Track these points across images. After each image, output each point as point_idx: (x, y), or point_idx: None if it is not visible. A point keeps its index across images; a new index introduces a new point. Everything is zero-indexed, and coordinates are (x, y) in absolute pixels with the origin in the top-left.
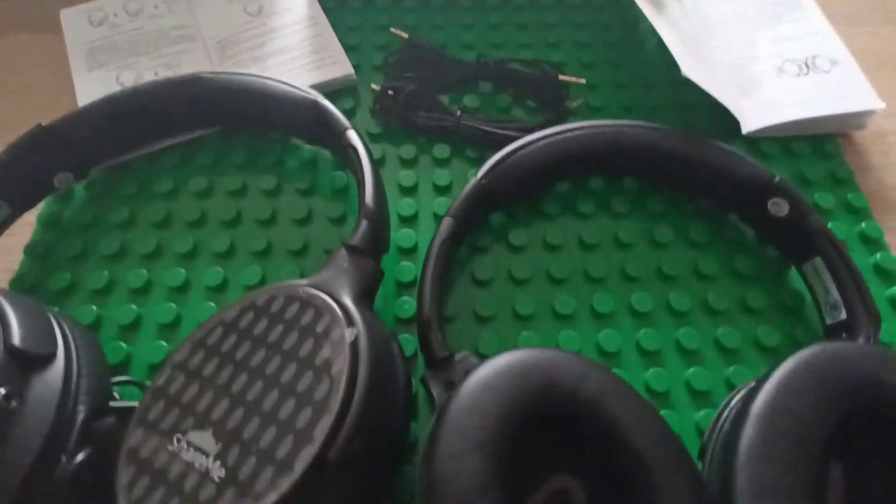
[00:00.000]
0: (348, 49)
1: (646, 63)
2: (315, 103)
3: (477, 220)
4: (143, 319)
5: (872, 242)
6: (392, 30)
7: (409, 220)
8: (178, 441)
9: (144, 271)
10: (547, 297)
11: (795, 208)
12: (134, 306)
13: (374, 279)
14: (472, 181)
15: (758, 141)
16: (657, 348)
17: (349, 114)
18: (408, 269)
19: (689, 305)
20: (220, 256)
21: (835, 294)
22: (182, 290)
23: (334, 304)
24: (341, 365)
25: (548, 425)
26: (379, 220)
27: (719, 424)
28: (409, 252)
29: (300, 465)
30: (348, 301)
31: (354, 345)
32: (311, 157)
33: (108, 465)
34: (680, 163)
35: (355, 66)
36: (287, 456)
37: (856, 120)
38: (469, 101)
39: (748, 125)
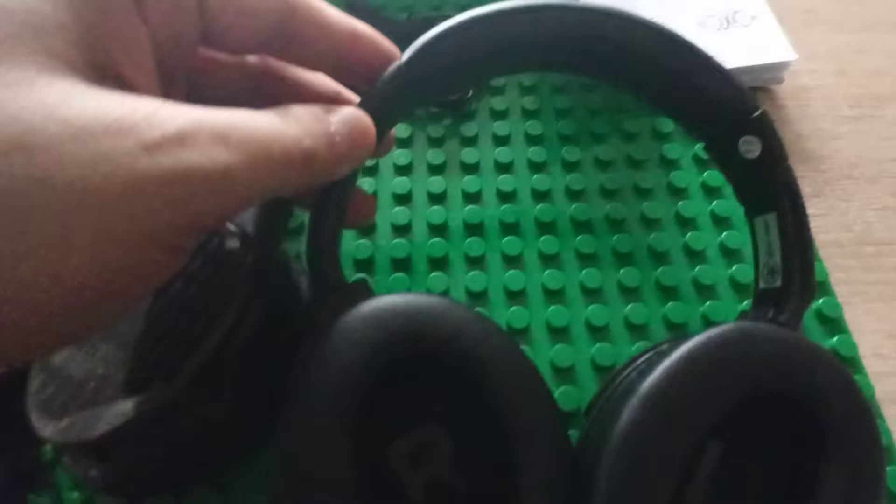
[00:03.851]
0: None
1: None
2: None
3: (398, 115)
4: None
5: None
6: None
7: None
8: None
9: None
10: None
11: (769, 151)
12: None
13: (276, 212)
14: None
15: None
16: (598, 286)
17: None
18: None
19: (631, 248)
20: None
21: (777, 258)
22: None
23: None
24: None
25: (414, 375)
26: None
27: (608, 391)
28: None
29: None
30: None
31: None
32: None
33: None
34: (642, 63)
35: None
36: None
37: (773, 73)
38: None
39: None
